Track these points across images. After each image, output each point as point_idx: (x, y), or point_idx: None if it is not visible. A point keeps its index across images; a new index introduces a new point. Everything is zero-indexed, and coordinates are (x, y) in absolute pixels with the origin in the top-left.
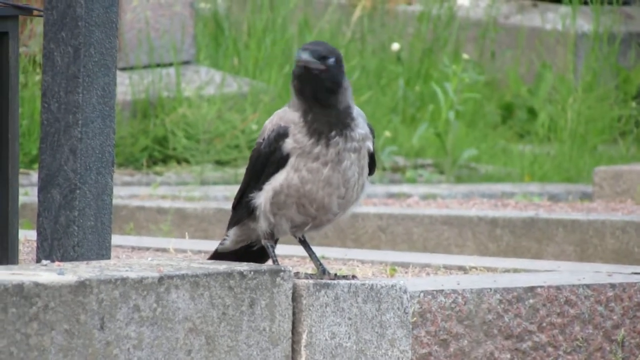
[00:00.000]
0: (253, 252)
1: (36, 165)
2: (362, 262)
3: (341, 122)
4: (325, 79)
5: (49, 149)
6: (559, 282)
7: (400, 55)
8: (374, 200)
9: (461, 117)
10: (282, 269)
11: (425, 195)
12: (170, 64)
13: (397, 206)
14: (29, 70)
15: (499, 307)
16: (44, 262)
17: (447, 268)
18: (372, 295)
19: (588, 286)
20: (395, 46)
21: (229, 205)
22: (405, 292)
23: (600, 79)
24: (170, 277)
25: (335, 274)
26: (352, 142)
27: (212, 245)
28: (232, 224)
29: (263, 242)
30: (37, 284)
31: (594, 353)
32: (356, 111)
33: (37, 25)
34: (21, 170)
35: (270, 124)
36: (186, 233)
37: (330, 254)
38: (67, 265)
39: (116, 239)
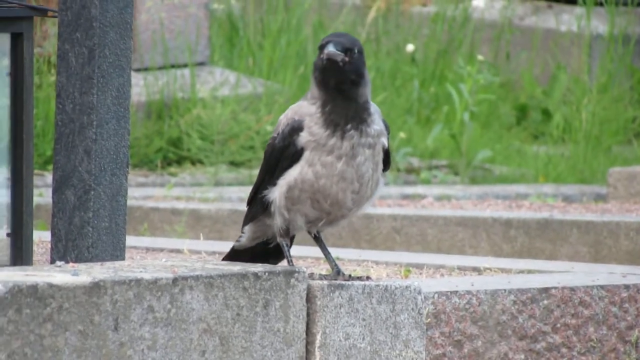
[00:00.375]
0: (270, 249)
1: (50, 166)
2: (377, 263)
3: (358, 116)
4: (349, 71)
5: (63, 150)
6: (573, 283)
7: (415, 57)
8: (389, 201)
9: (476, 118)
10: (297, 270)
11: (439, 197)
12: (185, 65)
13: (412, 207)
14: (43, 71)
15: (513, 308)
16: (58, 263)
17: (462, 269)
18: (387, 296)
19: (602, 287)
20: (410, 47)
21: (243, 207)
22: (419, 293)
23: (615, 80)
24: (185, 278)
25: (350, 275)
26: (367, 138)
27: (227, 247)
28: (247, 220)
29: (278, 239)
30: (51, 285)
31: (607, 354)
32: (373, 107)
33: (51, 26)
34: (35, 171)
35: (285, 118)
36: (200, 234)
37: (344, 255)
38: (81, 266)
39: (130, 240)
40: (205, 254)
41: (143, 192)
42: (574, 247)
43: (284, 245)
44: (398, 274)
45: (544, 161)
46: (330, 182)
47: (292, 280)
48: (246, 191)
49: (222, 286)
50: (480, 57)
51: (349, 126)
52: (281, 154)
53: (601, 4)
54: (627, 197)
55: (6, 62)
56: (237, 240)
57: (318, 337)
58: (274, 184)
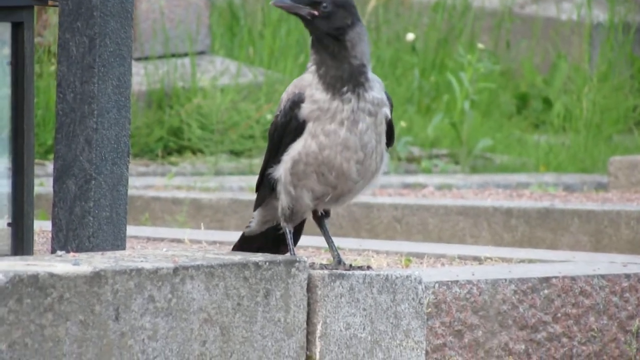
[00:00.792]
0: (280, 235)
1: (51, 156)
2: (377, 252)
3: (354, 79)
4: (322, 25)
5: (64, 139)
6: (573, 272)
7: (415, 46)
8: (389, 190)
9: (476, 107)
10: (297, 259)
11: (440, 186)
12: (186, 54)
13: (412, 196)
14: (43, 61)
15: (513, 297)
16: (59, 252)
17: (462, 258)
18: (387, 286)
19: (603, 276)
20: (410, 36)
21: (244, 196)
22: (420, 282)
23: (615, 69)
24: (186, 268)
25: (350, 265)
26: (366, 103)
27: (227, 236)
28: (256, 204)
29: (282, 224)
30: (52, 275)
31: (608, 344)
32: (372, 75)
33: (52, 16)
34: (36, 160)
35: (286, 94)
36: (201, 223)
37: (345, 244)
38: (82, 255)
39: (131, 230)
40: (206, 244)
41: (144, 181)
42: (574, 236)
43: (287, 231)
44: (399, 263)
45: (544, 150)
46: (335, 152)
47: (293, 269)
48: (247, 180)
49: (222, 276)
50: (480, 46)
51: (345, 89)
52: (284, 130)
53: None
54: (628, 186)
55: (7, 51)
56: (247, 226)
57: (319, 327)
58: (279, 161)
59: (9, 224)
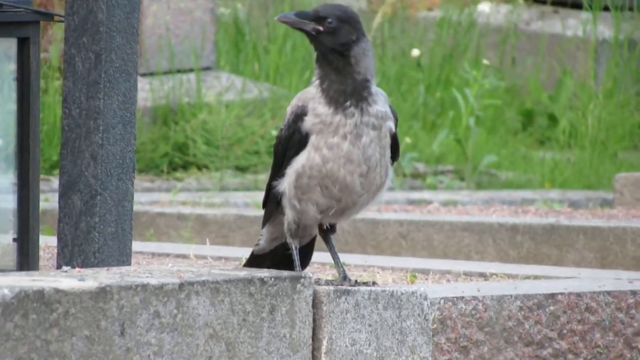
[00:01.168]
0: (289, 254)
1: (56, 171)
2: (383, 268)
3: (357, 93)
4: (327, 41)
5: (69, 154)
6: (579, 289)
7: (420, 61)
8: (395, 206)
9: (481, 123)
10: (303, 275)
11: (445, 202)
12: (191, 70)
13: (418, 212)
14: (49, 76)
15: (519, 314)
16: (65, 268)
17: (468, 275)
18: (393, 302)
19: (609, 293)
20: (416, 52)
21: (249, 212)
22: (425, 298)
23: (620, 85)
24: (191, 284)
25: (356, 281)
26: (370, 117)
27: (233, 252)
28: (264, 221)
29: (288, 240)
30: (57, 290)
31: None
32: (376, 89)
33: (57, 31)
34: (42, 176)
35: (290, 107)
36: (207, 239)
37: (350, 260)
38: (87, 271)
39: (136, 245)
40: (212, 259)
41: (149, 197)
42: (580, 252)
43: (293, 247)
44: (404, 279)
45: (550, 166)
46: (338, 165)
47: (299, 285)
48: (252, 196)
49: (228, 291)
50: (485, 62)
51: (348, 103)
52: (288, 143)
53: (607, 9)
54: (634, 203)
55: (12, 66)
56: (256, 244)
57: (324, 342)
58: (283, 175)
59: (14, 240)
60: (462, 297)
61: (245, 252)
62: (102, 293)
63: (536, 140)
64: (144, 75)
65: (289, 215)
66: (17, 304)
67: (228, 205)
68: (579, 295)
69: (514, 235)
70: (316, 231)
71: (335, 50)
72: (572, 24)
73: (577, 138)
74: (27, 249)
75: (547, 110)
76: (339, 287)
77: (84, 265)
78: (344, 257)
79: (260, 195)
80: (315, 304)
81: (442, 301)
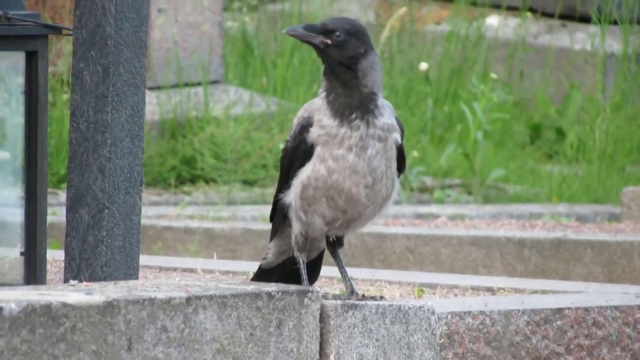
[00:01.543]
0: (297, 268)
1: (64, 185)
2: (390, 282)
3: (363, 106)
4: (335, 55)
5: (77, 168)
6: (586, 303)
7: (428, 75)
8: (402, 220)
9: (489, 137)
10: (310, 289)
11: (453, 216)
12: (199, 84)
13: (425, 227)
14: (57, 90)
15: (526, 328)
16: (72, 282)
17: (475, 289)
18: (400, 317)
19: (616, 308)
20: (424, 66)
21: (256, 226)
22: (433, 313)
23: (628, 99)
24: (198, 298)
25: (363, 295)
26: (375, 130)
27: (240, 266)
28: (272, 234)
29: (295, 254)
30: (65, 305)
31: None
32: (383, 101)
33: (65, 45)
34: (49, 189)
35: (297, 118)
36: (214, 253)
37: (357, 274)
38: (94, 285)
39: (144, 259)
40: (219, 274)
41: (156, 210)
42: (587, 267)
43: (301, 261)
44: (411, 293)
45: (557, 180)
46: (343, 177)
47: (306, 300)
48: (259, 210)
49: (235, 306)
50: (493, 76)
51: (353, 115)
52: (294, 154)
53: (615, 23)
54: None
55: (21, 80)
56: (264, 258)
57: (331, 357)
58: (289, 187)
59: (21, 253)
60: (470, 312)
61: (252, 266)
62: (110, 307)
63: (544, 154)
64: (151, 88)
65: (295, 227)
66: (25, 318)
67: (235, 219)
68: (586, 309)
69: (521, 250)
70: (324, 244)
71: (342, 63)
72: (580, 38)
73: (584, 152)
74: (35, 262)
75: (554, 124)
76: (347, 301)
77: (92, 279)
78: (351, 271)
79: (267, 209)
80: (323, 318)
81: (449, 316)
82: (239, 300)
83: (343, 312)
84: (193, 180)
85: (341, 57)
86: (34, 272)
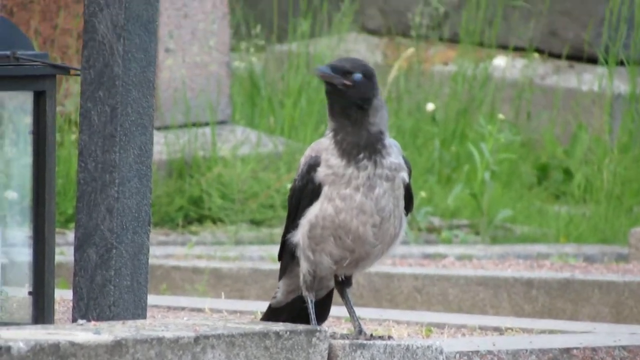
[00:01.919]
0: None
1: (72, 225)
2: (398, 322)
3: (371, 146)
4: (352, 95)
5: (85, 208)
6: (594, 343)
7: (435, 116)
8: (410, 260)
9: (497, 177)
10: (318, 329)
11: (460, 256)
12: (206, 124)
13: (433, 267)
14: (64, 129)
15: None
16: (80, 321)
17: (483, 329)
18: (408, 356)
19: (624, 347)
20: (431, 106)
21: (264, 266)
22: (441, 352)
23: (636, 140)
24: (207, 337)
25: (371, 335)
26: (383, 169)
27: (248, 305)
28: (280, 273)
29: (304, 293)
30: (73, 344)
31: None
32: (391, 141)
33: (73, 85)
34: (57, 229)
35: (304, 157)
36: (222, 293)
37: (365, 314)
38: (103, 324)
39: (152, 299)
40: (227, 313)
41: (164, 250)
42: (595, 307)
43: (309, 300)
44: (419, 333)
45: (565, 221)
46: (350, 216)
47: (314, 339)
48: (267, 250)
49: (243, 345)
50: (501, 116)
51: (361, 155)
52: (301, 193)
53: (622, 64)
54: None
55: (29, 120)
56: (273, 297)
57: None
58: (297, 226)
59: (29, 293)
60: (478, 352)
61: (260, 306)
62: (118, 346)
63: (551, 194)
64: (159, 128)
65: (303, 266)
66: (33, 357)
67: (243, 259)
68: (594, 349)
69: (529, 290)
70: (332, 284)
71: (356, 104)
72: (588, 79)
73: (592, 192)
74: (43, 302)
75: (562, 164)
76: (355, 340)
77: (100, 318)
78: (359, 311)
79: (275, 249)
80: (331, 357)
81: (457, 355)
82: (247, 339)
83: (351, 351)
84: (200, 220)
85: (357, 98)
86: (42, 312)
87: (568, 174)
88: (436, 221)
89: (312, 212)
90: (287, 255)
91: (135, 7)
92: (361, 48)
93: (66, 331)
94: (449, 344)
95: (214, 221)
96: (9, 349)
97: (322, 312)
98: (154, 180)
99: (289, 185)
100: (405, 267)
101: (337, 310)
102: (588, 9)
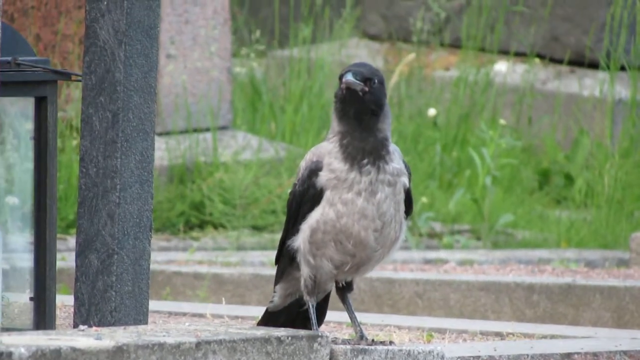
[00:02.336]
0: (305, 311)
1: (73, 230)
2: (399, 327)
3: (376, 152)
4: (369, 101)
5: (86, 213)
6: (595, 348)
7: (437, 121)
8: (411, 266)
9: (498, 182)
10: (320, 334)
11: (462, 261)
12: (207, 129)
13: (434, 272)
14: (66, 135)
15: None
16: (82, 327)
17: (484, 334)
18: None
19: (625, 352)
20: (432, 112)
21: (265, 271)
22: (442, 358)
23: (637, 145)
24: (208, 342)
25: (373, 340)
26: (386, 175)
27: (249, 311)
28: (277, 278)
29: (305, 298)
30: (74, 349)
31: None
32: (393, 147)
33: (74, 90)
34: (58, 235)
35: (304, 162)
36: (223, 298)
37: (367, 319)
38: (104, 330)
39: (153, 304)
40: (228, 318)
41: (165, 256)
42: (596, 312)
43: (310, 306)
44: (421, 338)
45: (566, 226)
46: (352, 221)
47: (315, 344)
48: (268, 255)
49: (245, 350)
50: (502, 122)
51: (365, 161)
52: (302, 198)
53: (624, 69)
54: None
55: (30, 126)
56: (270, 301)
57: None
58: (297, 231)
59: (31, 299)
60: (479, 357)
61: (261, 312)
62: (119, 352)
63: (552, 199)
64: (160, 134)
65: (304, 271)
66: None
67: (244, 264)
68: (595, 354)
69: (530, 295)
70: (330, 287)
71: (371, 109)
72: (589, 84)
73: (593, 197)
74: (44, 308)
75: (563, 169)
76: (356, 346)
77: (101, 324)
78: (360, 316)
79: None
80: None
81: None
82: (248, 345)
83: (352, 356)
84: (202, 225)
85: (373, 104)
86: (43, 317)
87: (569, 179)
88: (437, 226)
89: (314, 217)
90: (285, 259)
91: (137, 13)
92: (362, 53)
93: (67, 337)
94: (450, 349)
95: (216, 227)
96: (10, 354)
97: (321, 315)
98: (155, 185)
99: (289, 190)
100: (407, 273)
101: (338, 315)
102: (589, 15)
